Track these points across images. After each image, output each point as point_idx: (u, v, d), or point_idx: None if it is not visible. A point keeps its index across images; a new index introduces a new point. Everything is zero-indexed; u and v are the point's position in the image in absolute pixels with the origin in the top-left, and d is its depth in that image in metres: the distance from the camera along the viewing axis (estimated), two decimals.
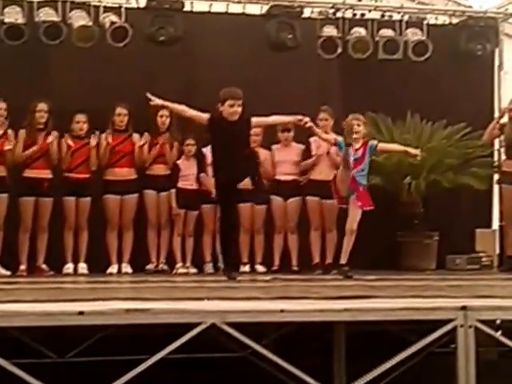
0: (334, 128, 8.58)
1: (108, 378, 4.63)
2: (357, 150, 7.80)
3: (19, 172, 8.37)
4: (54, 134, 8.39)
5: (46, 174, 8.41)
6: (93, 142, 8.53)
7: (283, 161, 8.87)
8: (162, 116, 8.76)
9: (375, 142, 7.97)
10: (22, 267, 8.26)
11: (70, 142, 8.46)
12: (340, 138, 7.97)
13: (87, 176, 8.57)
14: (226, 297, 5.32)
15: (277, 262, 8.88)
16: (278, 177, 8.87)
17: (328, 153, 8.64)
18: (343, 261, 7.74)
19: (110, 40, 8.83)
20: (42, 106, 8.35)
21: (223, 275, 7.40)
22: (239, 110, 7.09)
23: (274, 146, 8.91)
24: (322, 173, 8.68)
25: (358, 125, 7.84)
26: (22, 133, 8.37)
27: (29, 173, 8.36)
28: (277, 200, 8.85)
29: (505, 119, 8.89)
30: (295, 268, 8.81)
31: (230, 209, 7.43)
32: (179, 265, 8.73)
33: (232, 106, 7.06)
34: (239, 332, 4.75)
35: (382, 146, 8.14)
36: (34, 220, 8.34)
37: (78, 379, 6.53)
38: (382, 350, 5.23)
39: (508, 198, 8.70)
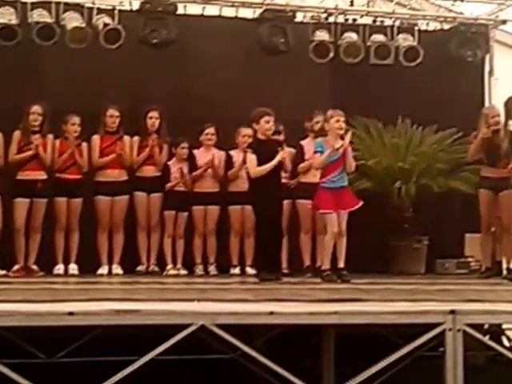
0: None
1: (98, 379, 4.65)
2: (337, 149, 7.61)
3: (13, 174, 8.34)
4: (50, 139, 8.38)
5: (40, 174, 8.39)
6: (84, 144, 8.55)
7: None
8: (151, 118, 8.77)
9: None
10: (16, 267, 8.26)
11: (58, 144, 8.48)
12: (318, 139, 7.86)
13: (79, 177, 8.57)
14: (216, 299, 5.34)
15: None
16: None
17: None
18: (342, 264, 7.62)
19: (103, 42, 8.83)
20: (36, 108, 8.32)
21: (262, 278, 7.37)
22: (273, 126, 7.55)
23: None
24: (316, 176, 8.68)
25: (344, 121, 7.67)
26: (17, 134, 8.36)
27: (23, 175, 8.33)
28: None
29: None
30: (285, 271, 8.82)
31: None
32: (170, 266, 8.74)
33: (268, 122, 7.49)
34: (229, 334, 4.78)
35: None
36: (28, 220, 8.33)
37: (67, 380, 6.53)
38: (370, 352, 5.26)
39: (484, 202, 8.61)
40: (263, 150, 7.46)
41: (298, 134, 8.94)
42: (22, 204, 8.29)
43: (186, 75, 9.33)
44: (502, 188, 8.33)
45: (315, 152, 7.70)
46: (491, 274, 8.43)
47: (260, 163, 7.47)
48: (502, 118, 8.34)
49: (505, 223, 8.45)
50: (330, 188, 7.49)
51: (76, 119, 8.53)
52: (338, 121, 7.59)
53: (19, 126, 8.35)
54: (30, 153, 8.25)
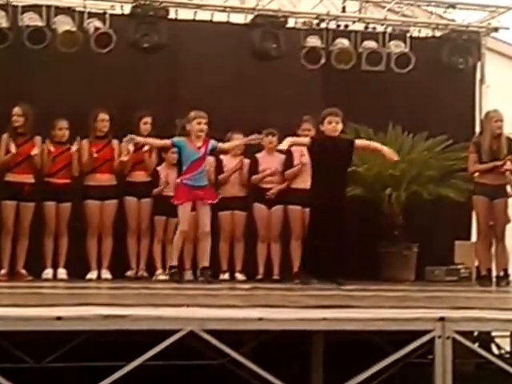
0: None
1: None
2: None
3: (1, 176, 8.32)
4: (38, 142, 8.36)
5: (28, 178, 8.36)
6: (74, 148, 8.52)
7: (267, 169, 8.86)
8: (145, 123, 8.75)
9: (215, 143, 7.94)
10: (3, 271, 8.22)
11: (52, 148, 8.44)
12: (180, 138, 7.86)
13: (68, 181, 8.54)
14: (205, 304, 5.32)
15: (261, 270, 8.86)
16: (261, 185, 8.88)
17: None
18: (206, 263, 7.86)
19: (94, 46, 8.82)
20: (17, 110, 8.29)
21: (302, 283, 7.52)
22: (338, 126, 7.58)
23: (258, 155, 8.91)
24: (306, 181, 8.68)
25: (206, 123, 7.77)
26: (4, 137, 8.33)
27: (10, 177, 8.31)
28: (260, 208, 8.85)
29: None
30: (276, 277, 8.81)
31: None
32: (159, 271, 8.71)
33: (330, 122, 7.54)
34: (217, 339, 4.77)
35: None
36: (16, 224, 8.29)
37: None
38: (360, 359, 5.26)
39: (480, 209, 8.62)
40: (324, 147, 7.58)
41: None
42: (8, 206, 8.26)
43: (177, 80, 9.32)
44: (496, 195, 8.35)
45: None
46: (489, 282, 8.43)
47: (317, 160, 7.68)
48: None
49: (498, 231, 8.47)
50: (188, 185, 7.61)
51: (64, 123, 8.50)
52: (199, 123, 7.68)
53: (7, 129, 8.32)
54: (13, 153, 8.17)
